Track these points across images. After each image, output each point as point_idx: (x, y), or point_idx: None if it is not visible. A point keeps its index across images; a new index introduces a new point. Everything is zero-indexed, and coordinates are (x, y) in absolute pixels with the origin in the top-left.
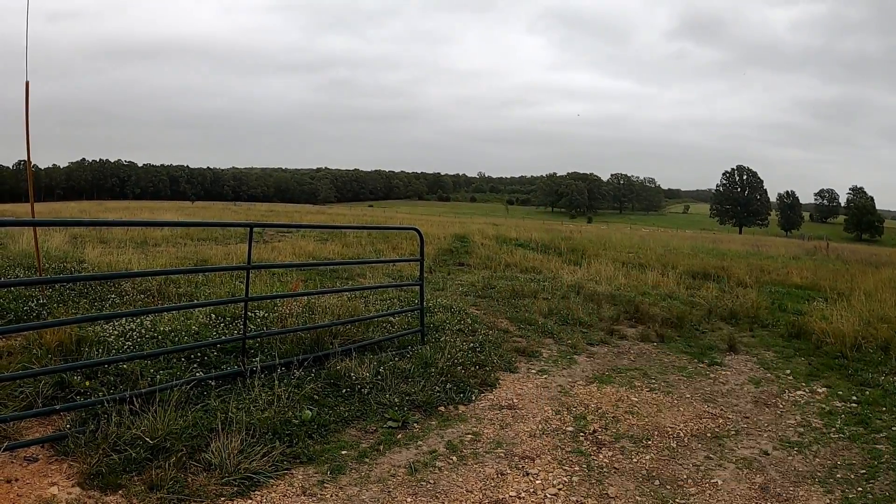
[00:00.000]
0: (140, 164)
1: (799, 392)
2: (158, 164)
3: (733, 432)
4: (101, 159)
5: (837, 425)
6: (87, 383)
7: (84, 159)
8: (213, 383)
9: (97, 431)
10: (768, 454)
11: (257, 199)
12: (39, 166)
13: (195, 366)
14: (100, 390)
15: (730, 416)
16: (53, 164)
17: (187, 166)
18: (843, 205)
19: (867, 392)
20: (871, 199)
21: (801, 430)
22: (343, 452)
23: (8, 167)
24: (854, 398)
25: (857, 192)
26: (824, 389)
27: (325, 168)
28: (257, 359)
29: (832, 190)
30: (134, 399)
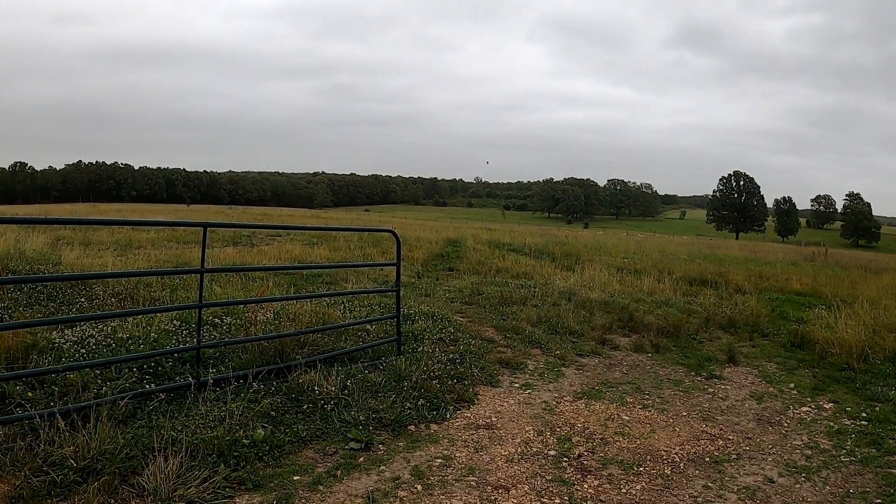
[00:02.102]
0: (136, 167)
1: (804, 408)
2: (155, 166)
3: (734, 456)
4: (97, 161)
5: (848, 446)
6: (30, 394)
7: (80, 161)
8: (162, 396)
9: (27, 449)
10: (773, 482)
11: (253, 202)
12: (35, 168)
13: (148, 376)
14: (43, 401)
15: (730, 437)
16: (49, 166)
17: (184, 169)
18: (839, 211)
19: (877, 408)
20: (868, 205)
21: (809, 452)
22: (295, 478)
23: (3, 168)
24: (864, 415)
25: (854, 198)
26: (831, 405)
27: (322, 172)
28: (211, 370)
29: (829, 196)
30: (73, 413)
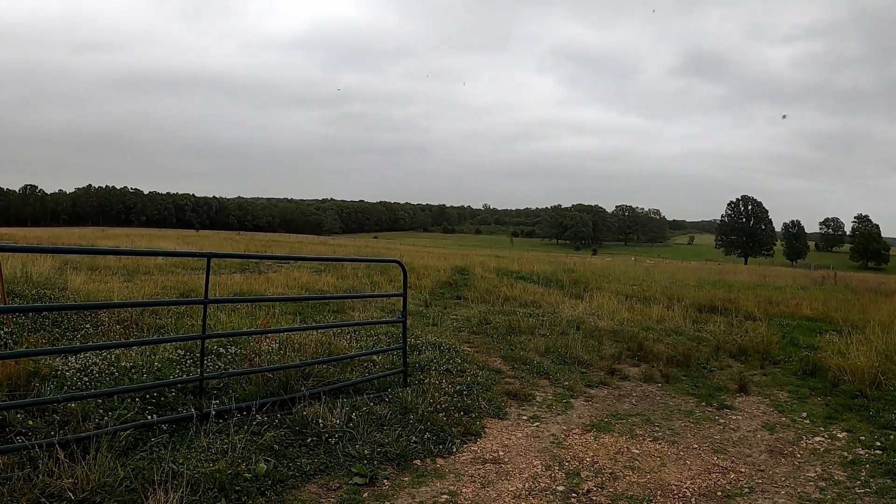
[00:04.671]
0: (146, 192)
1: (817, 438)
2: (164, 192)
3: (747, 489)
4: (107, 186)
5: (862, 477)
6: (31, 422)
7: (90, 185)
8: (164, 427)
9: (25, 479)
10: None
11: (262, 228)
12: (46, 191)
13: (150, 407)
14: (44, 430)
15: (742, 470)
16: (60, 190)
17: (193, 195)
18: (848, 233)
19: (892, 436)
20: (877, 226)
21: (823, 484)
22: None
23: (14, 191)
24: (878, 444)
25: (863, 220)
26: (845, 434)
27: (331, 199)
28: (214, 402)
29: (837, 219)
30: (73, 444)
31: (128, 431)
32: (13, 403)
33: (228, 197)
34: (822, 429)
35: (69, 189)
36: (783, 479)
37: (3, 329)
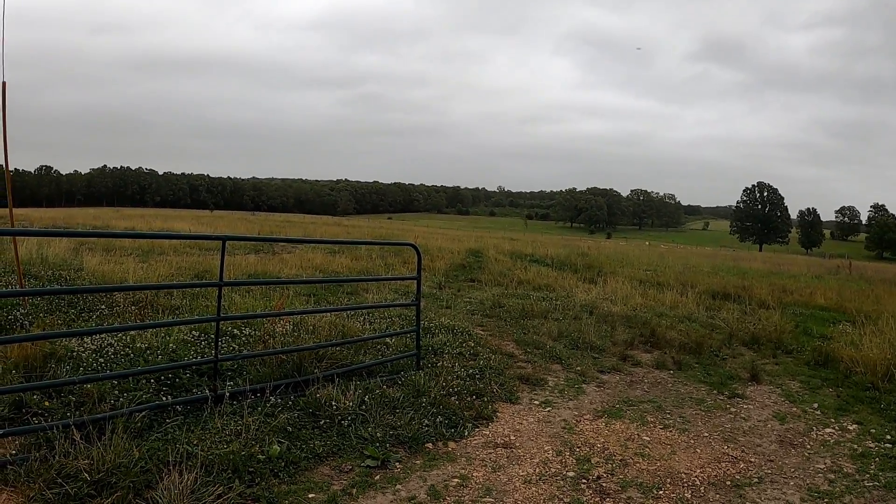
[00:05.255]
0: (161, 173)
1: (828, 430)
2: (179, 172)
3: (756, 479)
4: (122, 166)
5: (871, 470)
6: (47, 403)
7: (105, 166)
8: (179, 409)
9: (42, 460)
10: None
11: (276, 209)
12: (61, 172)
13: (165, 388)
14: (60, 411)
15: (752, 460)
16: (75, 170)
17: (207, 175)
18: (864, 222)
19: None
20: (893, 216)
21: (832, 476)
22: (310, 496)
23: (30, 172)
24: (888, 437)
25: (879, 209)
26: (855, 426)
27: (346, 180)
28: (228, 383)
29: (853, 207)
30: (89, 425)
31: (143, 413)
32: (30, 385)
33: (243, 177)
34: (833, 420)
35: (84, 170)
36: (792, 469)
37: (19, 310)
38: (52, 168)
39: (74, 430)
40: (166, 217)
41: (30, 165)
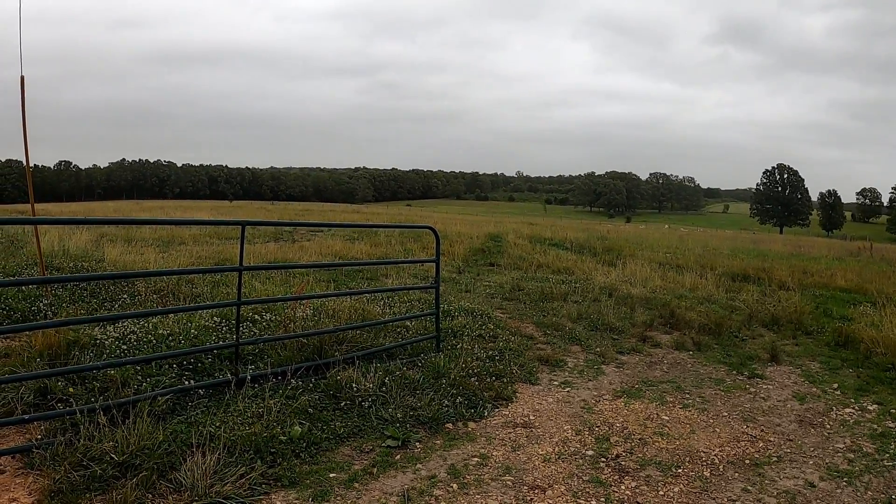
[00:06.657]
0: (179, 164)
1: (848, 410)
2: (198, 164)
3: (775, 458)
4: (140, 159)
5: (891, 450)
6: (71, 389)
7: (124, 159)
8: (201, 392)
9: (67, 444)
10: (815, 486)
11: (295, 198)
12: (80, 166)
13: (187, 373)
14: (84, 397)
15: (771, 439)
16: (94, 164)
17: (226, 166)
18: (885, 204)
19: None
20: None
21: (851, 455)
22: (331, 475)
23: (49, 167)
24: None
25: None
26: (875, 406)
27: (364, 167)
28: (250, 367)
29: (874, 189)
30: (113, 409)
31: (166, 396)
32: (54, 370)
33: (261, 167)
34: (853, 400)
35: (103, 164)
36: (812, 449)
37: (42, 301)
38: (71, 163)
39: (100, 413)
40: (186, 208)
41: (49, 161)
